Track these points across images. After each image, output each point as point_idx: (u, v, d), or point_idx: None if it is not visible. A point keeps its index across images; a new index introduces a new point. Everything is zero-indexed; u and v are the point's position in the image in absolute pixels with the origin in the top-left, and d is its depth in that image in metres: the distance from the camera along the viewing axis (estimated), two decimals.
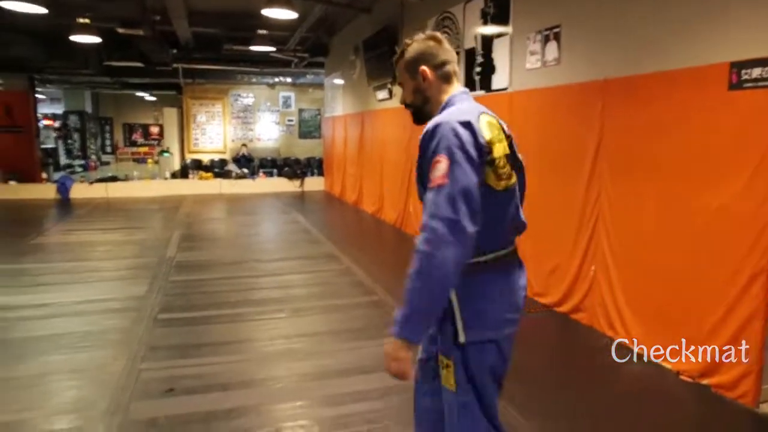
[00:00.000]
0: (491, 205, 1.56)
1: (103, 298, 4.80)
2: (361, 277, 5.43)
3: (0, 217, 9.92)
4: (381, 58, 7.99)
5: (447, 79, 1.72)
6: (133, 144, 24.63)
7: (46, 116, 21.24)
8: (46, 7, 6.65)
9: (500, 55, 5.23)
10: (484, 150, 1.53)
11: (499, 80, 5.26)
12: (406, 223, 7.80)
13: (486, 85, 5.47)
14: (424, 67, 1.69)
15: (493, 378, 1.63)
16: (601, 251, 3.91)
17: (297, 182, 13.52)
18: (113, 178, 12.81)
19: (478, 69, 5.61)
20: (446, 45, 1.73)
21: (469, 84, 5.72)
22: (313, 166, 15.69)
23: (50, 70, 12.83)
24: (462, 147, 1.49)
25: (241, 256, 6.50)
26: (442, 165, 1.48)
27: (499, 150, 1.59)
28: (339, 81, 11.30)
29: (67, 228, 8.60)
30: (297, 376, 3.28)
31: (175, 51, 11.91)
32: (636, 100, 3.59)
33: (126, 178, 13.05)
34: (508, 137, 1.66)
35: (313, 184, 13.57)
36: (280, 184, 13.50)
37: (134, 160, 22.82)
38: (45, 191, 11.91)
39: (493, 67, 5.35)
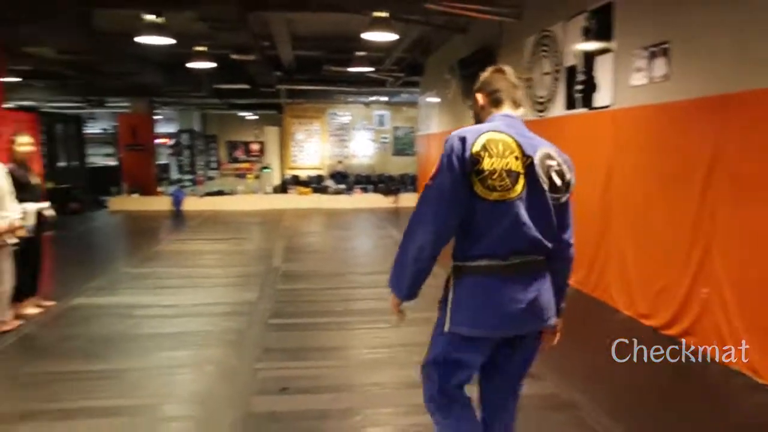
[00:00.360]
0: (478, 212, 1.80)
1: (218, 302, 5.22)
2: None
3: (127, 227, 10.98)
4: (476, 77, 8.06)
5: (496, 103, 2.00)
6: (235, 160, 26.21)
7: (161, 135, 23.21)
8: (173, 38, 7.35)
9: (603, 72, 5.17)
10: (467, 161, 1.78)
11: (601, 98, 5.20)
12: None
13: (587, 102, 5.42)
14: (478, 94, 2.04)
15: (459, 365, 1.94)
16: (714, 273, 3.76)
17: (391, 198, 13.83)
18: (220, 192, 13.76)
19: (579, 87, 5.57)
20: (508, 76, 2.02)
21: (570, 102, 5.69)
22: (407, 183, 15.97)
23: (169, 94, 14.06)
24: (449, 156, 1.81)
25: (340, 269, 6.79)
26: (435, 168, 1.85)
27: (493, 163, 1.78)
28: (434, 99, 11.52)
29: (183, 237, 9.37)
30: (402, 383, 3.40)
31: (278, 73, 12.68)
32: (755, 115, 3.45)
33: (231, 193, 13.96)
34: (527, 157, 1.83)
35: (407, 200, 13.81)
36: (375, 200, 13.88)
37: (236, 175, 24.30)
38: (161, 203, 13.01)
39: (594, 84, 5.30)
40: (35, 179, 4.97)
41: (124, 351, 4.01)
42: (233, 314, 4.83)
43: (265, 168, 16.95)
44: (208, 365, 3.70)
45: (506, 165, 1.79)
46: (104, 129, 21.21)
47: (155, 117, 23.17)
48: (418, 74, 12.44)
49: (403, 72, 12.39)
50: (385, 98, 15.68)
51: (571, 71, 5.71)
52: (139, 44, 7.77)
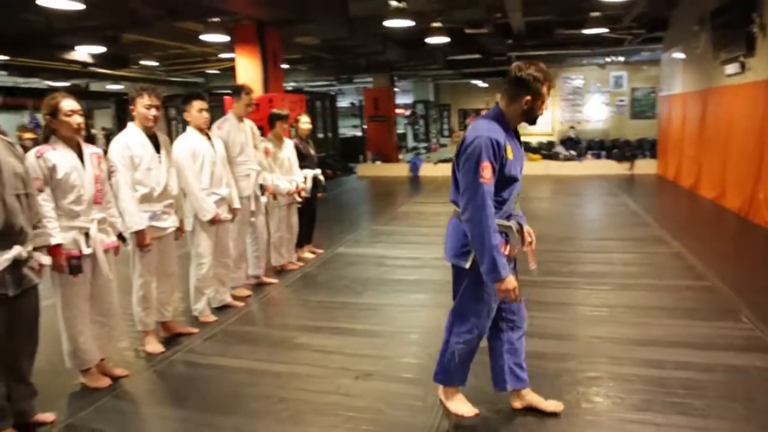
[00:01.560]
0: None
1: None
2: (692, 263, 5.31)
3: (372, 190, 12.52)
4: (732, 27, 7.27)
5: None
6: (466, 128, 27.07)
7: (399, 106, 25.15)
8: (413, 20, 8.16)
9: None
10: None
11: None
12: (753, 211, 7.02)
13: None
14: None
15: None
16: None
17: (626, 165, 13.10)
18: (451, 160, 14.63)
19: None
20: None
21: None
22: (645, 148, 14.86)
23: (407, 68, 15.27)
24: None
25: (567, 233, 6.94)
26: None
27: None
28: (679, 56, 10.52)
29: (420, 200, 10.40)
30: (621, 339, 3.62)
31: (509, 41, 12.83)
32: None
33: None
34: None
35: (645, 167, 12.94)
36: (608, 167, 13.29)
37: None
38: (400, 170, 14.39)
39: None
40: (312, 150, 6.17)
41: (379, 291, 4.92)
42: None
43: None
44: (443, 307, 4.37)
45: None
46: (352, 103, 23.79)
47: (395, 90, 25.26)
48: (662, 29, 11.42)
49: (643, 28, 11.50)
50: (621, 58, 14.69)
51: None
52: (384, 26, 8.76)
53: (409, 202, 10.13)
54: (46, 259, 2.78)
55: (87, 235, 3.07)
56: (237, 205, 4.43)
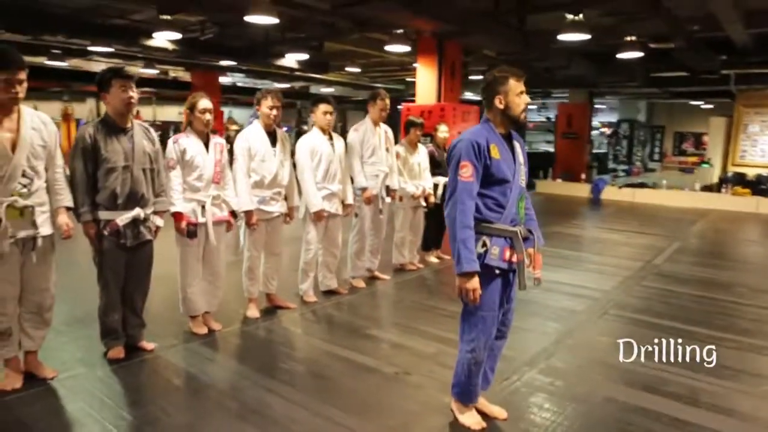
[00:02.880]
0: None
1: (574, 282, 5.58)
2: None
3: (539, 207, 12.12)
4: None
5: None
6: (682, 153, 24.28)
7: (603, 124, 23.65)
8: (589, 34, 7.78)
9: None
10: None
11: None
12: None
13: None
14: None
15: None
16: None
17: None
18: (642, 185, 13.39)
19: None
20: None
21: None
22: None
23: (602, 85, 14.39)
24: None
25: (741, 279, 5.96)
26: None
27: None
28: None
29: (582, 223, 9.84)
30: None
31: (724, 57, 11.32)
32: None
33: (653, 186, 13.39)
34: None
35: None
36: None
37: (680, 170, 22.57)
38: (580, 190, 13.65)
39: None
40: None
41: None
42: (579, 296, 5.15)
43: (705, 163, 15.37)
44: (541, 334, 4.24)
45: None
46: (548, 118, 23.05)
47: (597, 106, 23.80)
48: None
49: None
50: None
51: None
52: (561, 40, 8.50)
53: (569, 224, 9.63)
54: (160, 222, 3.51)
55: (203, 207, 3.75)
56: (350, 201, 4.86)
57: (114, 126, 3.32)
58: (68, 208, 3.14)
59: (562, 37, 8.35)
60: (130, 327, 3.53)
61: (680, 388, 3.25)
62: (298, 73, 14.07)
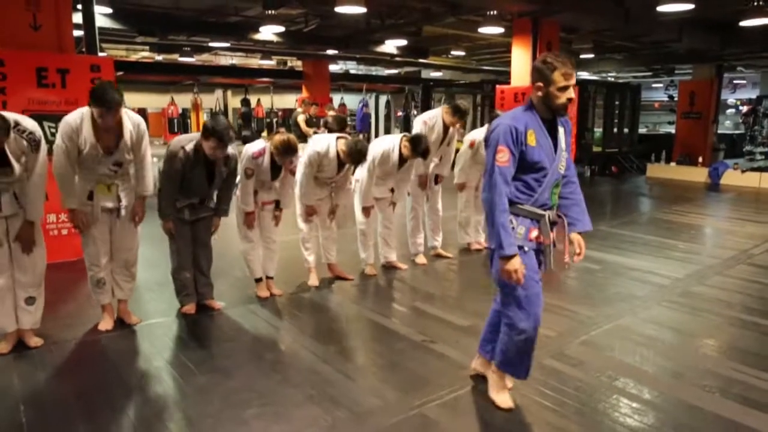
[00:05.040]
0: None
1: (647, 269, 5.37)
2: None
3: (643, 192, 11.47)
4: None
5: None
6: None
7: (743, 101, 21.30)
8: (693, 3, 7.27)
9: None
10: None
11: None
12: None
13: None
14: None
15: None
16: None
17: None
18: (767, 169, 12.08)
19: None
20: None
21: None
22: None
23: (730, 57, 13.10)
24: None
25: None
26: None
27: None
28: None
29: (689, 209, 9.13)
30: None
31: None
32: None
33: None
34: None
35: None
36: None
37: None
38: (698, 175, 12.59)
39: None
40: None
41: (555, 283, 4.97)
42: (645, 282, 4.99)
43: None
44: (608, 317, 4.26)
45: None
46: (671, 97, 21.25)
47: (738, 82, 21.49)
48: None
49: None
50: None
51: None
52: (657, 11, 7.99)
53: (669, 210, 9.02)
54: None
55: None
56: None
57: (201, 156, 3.80)
58: (145, 198, 3.75)
59: (662, 8, 7.87)
60: (200, 286, 4.13)
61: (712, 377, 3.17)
62: (401, 59, 14.41)
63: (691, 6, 7.57)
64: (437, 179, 5.57)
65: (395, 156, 4.82)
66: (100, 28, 9.02)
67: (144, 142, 3.63)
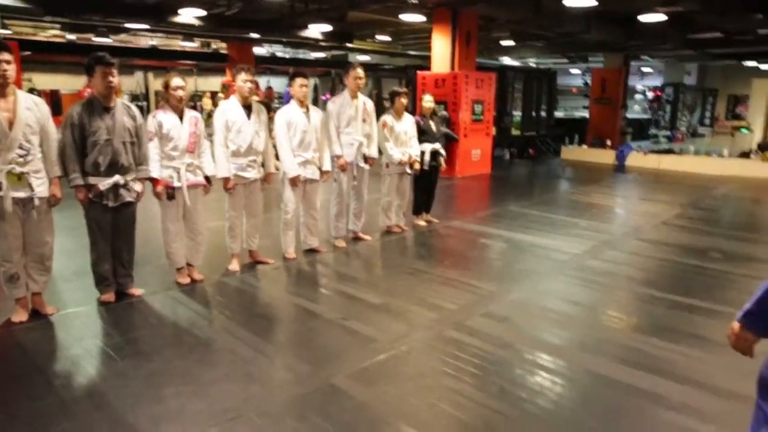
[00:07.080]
0: None
1: (552, 247, 5.84)
2: None
3: (556, 174, 12.21)
4: None
5: None
6: (736, 117, 23.20)
7: (650, 88, 22.76)
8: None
9: None
10: None
11: None
12: None
13: None
14: None
15: None
16: None
17: None
18: (669, 151, 13.15)
19: None
20: None
21: None
22: None
23: (634, 49, 14.05)
24: None
25: (721, 246, 6.06)
26: None
27: None
28: None
29: (593, 190, 9.86)
30: None
31: (760, 15, 10.87)
32: None
33: (680, 152, 13.12)
34: None
35: None
36: None
37: (731, 134, 21.61)
38: (607, 157, 13.52)
39: None
40: (435, 127, 6.63)
41: (450, 265, 5.36)
42: (546, 258, 5.46)
43: (743, 128, 14.80)
44: (477, 295, 4.64)
45: None
46: (586, 83, 22.45)
47: (646, 70, 22.89)
48: None
49: None
50: None
51: None
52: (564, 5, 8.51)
53: (573, 190, 9.74)
54: (138, 187, 4.08)
55: (179, 173, 4.31)
56: (327, 168, 5.31)
57: (98, 105, 3.88)
58: (59, 177, 3.75)
59: (569, 2, 8.39)
60: (120, 276, 4.17)
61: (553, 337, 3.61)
62: (327, 43, 14.47)
63: (594, 2, 8.13)
64: (366, 160, 5.70)
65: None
66: (3, 6, 8.59)
67: (50, 123, 3.67)
